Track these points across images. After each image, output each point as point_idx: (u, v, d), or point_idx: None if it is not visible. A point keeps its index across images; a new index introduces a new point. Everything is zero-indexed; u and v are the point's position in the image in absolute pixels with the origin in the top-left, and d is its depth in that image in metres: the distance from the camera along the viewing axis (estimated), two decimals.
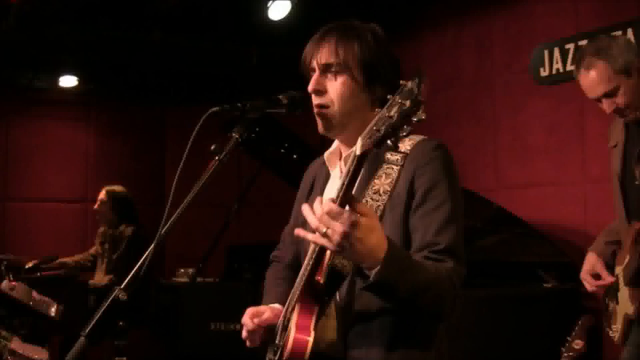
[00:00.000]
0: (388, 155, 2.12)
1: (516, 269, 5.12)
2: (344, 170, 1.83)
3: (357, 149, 1.75)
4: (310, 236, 1.86)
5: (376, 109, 1.72)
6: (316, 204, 1.85)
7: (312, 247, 2.01)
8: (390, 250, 1.84)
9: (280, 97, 2.25)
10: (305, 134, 4.68)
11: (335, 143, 2.38)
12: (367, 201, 2.07)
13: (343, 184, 1.80)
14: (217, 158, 2.13)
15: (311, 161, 2.62)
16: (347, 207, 1.81)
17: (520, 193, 5.95)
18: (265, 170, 6.74)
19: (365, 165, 2.13)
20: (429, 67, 6.83)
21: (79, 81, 8.56)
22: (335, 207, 1.79)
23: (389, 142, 1.66)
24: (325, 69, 2.23)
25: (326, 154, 2.39)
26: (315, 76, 2.25)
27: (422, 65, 6.93)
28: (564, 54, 5.55)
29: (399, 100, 1.64)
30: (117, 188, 7.12)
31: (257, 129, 5.55)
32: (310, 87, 2.26)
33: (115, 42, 7.49)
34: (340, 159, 2.36)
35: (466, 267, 2.07)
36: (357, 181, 1.93)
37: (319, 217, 1.81)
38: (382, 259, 1.82)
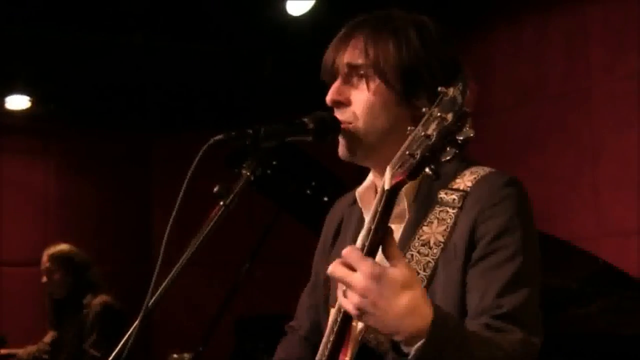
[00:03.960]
0: (442, 195, 2.13)
1: (629, 346, 5.07)
2: (372, 208, 1.83)
3: (386, 181, 1.76)
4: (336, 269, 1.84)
5: None
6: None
7: (332, 315, 2.00)
8: (437, 319, 1.81)
9: (305, 119, 2.25)
10: (339, 167, 4.69)
11: (370, 176, 2.38)
12: (412, 256, 2.08)
13: (369, 229, 1.81)
14: (222, 203, 2.13)
15: None
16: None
17: (631, 242, 5.90)
18: (286, 217, 6.74)
19: (411, 207, 2.14)
20: (503, 74, 6.83)
21: (34, 101, 8.62)
22: (355, 252, 1.79)
23: (427, 170, 1.66)
24: (350, 72, 2.25)
25: (359, 190, 2.39)
26: (335, 83, 2.28)
27: (490, 71, 6.94)
28: None
29: (438, 114, 1.64)
30: (64, 247, 7.10)
31: (274, 163, 5.57)
32: (328, 98, 2.28)
33: (82, 49, 7.56)
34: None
35: (541, 339, 2.04)
36: (403, 229, 1.96)
37: (334, 268, 1.82)
38: (425, 331, 1.79)
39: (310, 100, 2.46)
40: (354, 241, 2.32)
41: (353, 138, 2.24)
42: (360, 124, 2.22)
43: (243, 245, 7.42)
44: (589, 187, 6.27)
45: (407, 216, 2.17)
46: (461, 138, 1.62)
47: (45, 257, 7.02)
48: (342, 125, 2.24)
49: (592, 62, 6.30)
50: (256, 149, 2.19)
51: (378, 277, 1.75)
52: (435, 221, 2.09)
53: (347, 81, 2.26)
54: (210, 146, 2.11)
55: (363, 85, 2.22)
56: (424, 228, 2.09)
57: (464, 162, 2.21)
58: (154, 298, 2.07)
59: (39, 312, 8.59)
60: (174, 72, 8.21)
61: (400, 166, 1.71)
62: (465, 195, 2.10)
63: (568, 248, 5.19)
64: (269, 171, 5.61)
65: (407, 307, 1.77)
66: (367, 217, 2.32)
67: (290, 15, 6.64)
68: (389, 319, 1.78)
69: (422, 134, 1.64)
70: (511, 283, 2.02)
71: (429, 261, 2.06)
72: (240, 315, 7.43)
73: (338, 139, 2.27)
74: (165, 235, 2.10)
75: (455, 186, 2.13)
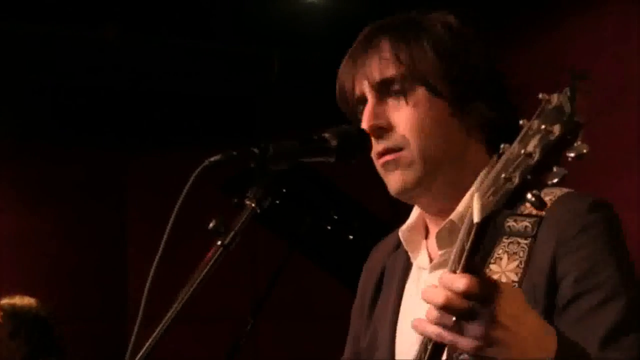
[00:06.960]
0: (510, 223, 2.12)
1: None
2: (456, 247, 1.81)
3: (475, 212, 1.72)
4: (429, 329, 1.82)
5: (479, 143, 1.65)
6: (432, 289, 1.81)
7: None
8: (562, 342, 1.83)
9: (326, 135, 2.24)
10: (367, 196, 4.69)
11: (415, 213, 2.39)
12: None
13: (454, 272, 1.78)
14: (219, 243, 2.12)
15: (378, 241, 2.62)
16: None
17: None
18: (300, 259, 6.74)
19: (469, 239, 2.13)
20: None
21: None
22: (473, 280, 1.74)
23: (529, 196, 1.62)
24: (383, 89, 2.27)
25: (403, 232, 2.40)
26: (369, 105, 2.29)
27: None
28: None
29: (541, 127, 1.58)
30: (21, 301, 7.09)
31: (285, 191, 5.58)
32: (365, 124, 2.28)
33: (38, 45, 7.59)
34: (426, 239, 2.38)
35: None
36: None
37: (446, 299, 1.76)
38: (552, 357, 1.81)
39: (330, 110, 2.46)
40: (401, 293, 2.33)
41: (409, 170, 2.25)
42: (413, 148, 2.23)
43: (245, 295, 7.44)
44: None
45: None
46: (572, 155, 1.55)
47: None
48: (390, 157, 2.25)
49: None
50: (263, 173, 2.18)
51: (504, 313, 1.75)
52: (505, 256, 2.09)
53: (382, 102, 2.28)
54: (204, 169, 2.09)
55: (402, 101, 2.24)
56: (492, 267, 2.09)
57: None
58: None
59: None
60: (156, 75, 8.24)
61: (493, 193, 1.65)
62: (539, 220, 2.10)
63: None
64: (278, 201, 5.60)
65: (531, 334, 1.80)
66: (418, 262, 2.34)
67: (303, 2, 6.64)
68: (513, 353, 1.79)
69: (521, 151, 1.58)
70: (616, 330, 2.01)
71: None
72: None
73: (370, 163, 2.27)
74: (147, 285, 2.09)
75: (526, 211, 2.11)
